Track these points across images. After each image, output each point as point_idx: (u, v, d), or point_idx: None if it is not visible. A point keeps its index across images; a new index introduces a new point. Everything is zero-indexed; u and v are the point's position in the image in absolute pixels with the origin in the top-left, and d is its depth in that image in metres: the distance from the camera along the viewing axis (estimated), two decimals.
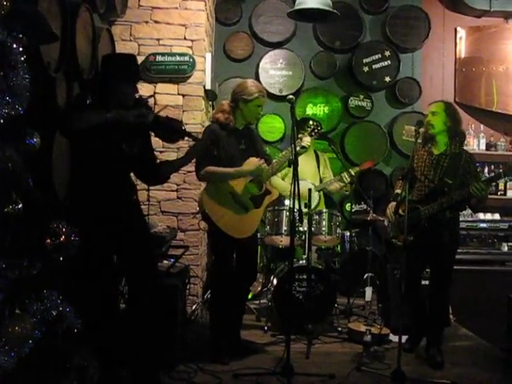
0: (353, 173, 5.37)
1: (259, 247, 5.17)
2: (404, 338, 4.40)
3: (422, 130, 4.07)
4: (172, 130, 3.40)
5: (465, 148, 4.32)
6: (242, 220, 4.09)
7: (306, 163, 5.36)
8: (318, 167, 5.66)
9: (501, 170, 3.94)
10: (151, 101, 3.52)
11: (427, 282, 4.45)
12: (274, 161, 4.23)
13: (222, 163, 4.00)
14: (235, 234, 4.04)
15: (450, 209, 4.07)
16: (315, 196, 5.39)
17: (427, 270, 4.45)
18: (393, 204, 4.37)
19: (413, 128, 4.69)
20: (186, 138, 3.52)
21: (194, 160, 3.88)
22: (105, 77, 3.34)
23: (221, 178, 4.05)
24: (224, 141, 4.05)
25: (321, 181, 5.60)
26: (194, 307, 4.97)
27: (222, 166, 4.00)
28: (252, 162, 4.09)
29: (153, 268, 3.48)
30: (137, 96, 3.39)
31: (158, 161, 3.68)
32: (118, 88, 3.26)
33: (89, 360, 2.20)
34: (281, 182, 5.37)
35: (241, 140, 4.15)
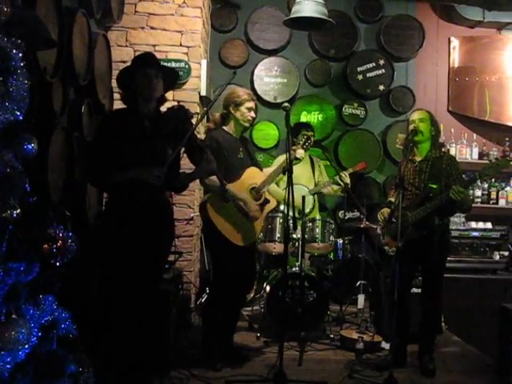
0: (346, 173, 5.38)
1: None
2: (387, 346, 4.41)
3: (402, 135, 4.03)
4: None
5: (452, 154, 4.29)
6: (245, 228, 4.09)
7: (300, 167, 5.36)
8: (313, 172, 5.68)
9: (476, 173, 3.95)
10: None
11: (419, 290, 4.47)
12: (270, 172, 4.27)
13: (222, 171, 3.94)
14: (238, 242, 4.05)
15: (438, 214, 4.07)
16: (310, 200, 5.39)
17: (419, 278, 4.47)
18: (385, 209, 4.36)
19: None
20: None
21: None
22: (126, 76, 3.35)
23: (214, 192, 4.05)
24: (225, 149, 4.07)
25: (316, 185, 5.62)
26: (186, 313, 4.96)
27: (221, 173, 3.94)
28: (252, 173, 4.16)
29: (159, 276, 3.58)
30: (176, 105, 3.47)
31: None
32: (134, 80, 3.28)
33: (84, 365, 2.20)
34: (276, 189, 5.35)
35: (239, 149, 4.17)
